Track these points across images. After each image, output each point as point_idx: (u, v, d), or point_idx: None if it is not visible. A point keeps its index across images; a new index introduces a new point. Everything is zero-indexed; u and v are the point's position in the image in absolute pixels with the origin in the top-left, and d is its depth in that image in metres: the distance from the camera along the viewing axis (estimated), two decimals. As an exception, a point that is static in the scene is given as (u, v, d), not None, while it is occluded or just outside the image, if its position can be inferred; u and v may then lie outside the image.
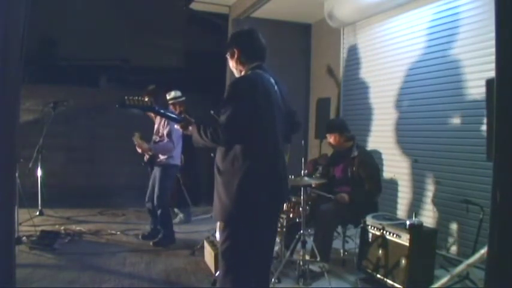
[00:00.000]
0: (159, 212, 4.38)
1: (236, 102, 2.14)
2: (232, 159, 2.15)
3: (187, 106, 5.10)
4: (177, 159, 4.60)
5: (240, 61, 2.34)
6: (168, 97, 5.06)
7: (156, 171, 4.45)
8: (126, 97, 2.37)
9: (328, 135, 3.95)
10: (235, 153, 2.15)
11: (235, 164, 2.14)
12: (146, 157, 4.50)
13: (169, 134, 4.34)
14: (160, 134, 4.44)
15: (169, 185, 4.54)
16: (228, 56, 2.41)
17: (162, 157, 4.41)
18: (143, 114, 4.56)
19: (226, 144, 2.17)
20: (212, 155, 2.40)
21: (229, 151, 2.17)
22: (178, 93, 5.13)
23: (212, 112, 2.28)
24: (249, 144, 2.15)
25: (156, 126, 4.54)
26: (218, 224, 4.01)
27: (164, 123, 4.40)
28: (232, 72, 2.43)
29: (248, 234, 2.19)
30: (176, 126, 2.50)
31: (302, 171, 3.50)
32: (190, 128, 2.33)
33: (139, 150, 4.44)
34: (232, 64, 2.40)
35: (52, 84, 6.59)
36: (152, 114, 4.54)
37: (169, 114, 2.53)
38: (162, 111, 2.53)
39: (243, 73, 2.35)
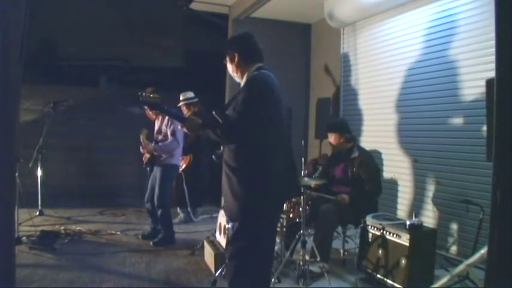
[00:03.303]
0: (159, 212, 4.38)
1: (253, 104, 2.14)
2: (246, 158, 2.15)
3: (201, 106, 5.12)
4: (178, 159, 4.60)
5: (240, 65, 2.36)
6: (181, 98, 5.09)
7: (157, 171, 4.44)
8: (139, 93, 2.38)
9: (328, 135, 3.96)
10: (249, 151, 2.15)
11: (250, 162, 2.14)
12: (145, 157, 4.50)
13: (173, 133, 4.34)
14: (163, 133, 4.44)
15: (169, 185, 4.54)
16: (227, 62, 2.43)
17: (163, 157, 4.41)
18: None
19: (240, 144, 2.17)
20: (217, 154, 2.38)
21: (241, 149, 2.17)
22: (192, 94, 5.14)
23: (214, 113, 2.27)
24: (263, 143, 2.15)
25: (157, 125, 4.54)
26: (219, 224, 4.02)
27: (168, 122, 4.40)
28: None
29: (265, 232, 2.20)
30: (179, 127, 2.48)
31: (302, 171, 3.50)
32: (196, 128, 2.30)
33: (143, 151, 4.44)
34: (232, 69, 2.41)
35: (52, 84, 6.58)
36: (151, 114, 4.54)
37: (176, 114, 2.47)
38: (168, 110, 2.45)
39: (244, 76, 2.35)
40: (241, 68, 2.36)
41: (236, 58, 2.36)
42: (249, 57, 2.35)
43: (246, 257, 2.19)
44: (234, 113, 2.17)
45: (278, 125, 2.23)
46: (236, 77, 2.43)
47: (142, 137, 4.42)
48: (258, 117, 2.13)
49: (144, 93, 2.39)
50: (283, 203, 2.29)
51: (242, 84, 2.35)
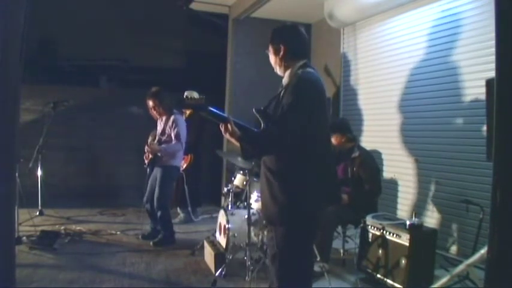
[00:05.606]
0: (159, 214, 4.36)
1: (300, 110, 2.04)
2: (288, 162, 2.08)
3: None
4: (180, 160, 4.57)
5: (285, 59, 2.21)
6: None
7: (157, 172, 4.41)
8: (184, 96, 2.20)
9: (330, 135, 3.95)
10: (291, 156, 2.08)
11: (293, 166, 2.07)
12: (147, 156, 4.48)
13: (177, 136, 4.31)
14: (167, 134, 4.40)
15: (170, 187, 4.52)
16: (269, 53, 2.28)
17: (165, 158, 4.39)
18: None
19: (284, 152, 2.09)
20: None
21: (283, 153, 2.10)
22: (195, 94, 5.08)
23: (254, 110, 2.15)
24: (307, 147, 2.08)
25: (160, 125, 4.51)
26: (218, 224, 4.02)
27: (172, 124, 4.35)
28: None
29: (304, 236, 2.17)
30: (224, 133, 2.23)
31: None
32: (232, 136, 2.10)
33: (147, 151, 4.41)
34: (274, 61, 2.26)
35: (52, 84, 6.58)
36: (155, 113, 4.49)
37: (218, 115, 2.18)
38: (211, 110, 2.16)
39: (287, 73, 2.22)
40: (285, 62, 2.21)
41: (282, 52, 2.20)
42: (295, 52, 2.20)
43: (285, 260, 2.14)
44: (277, 121, 2.06)
45: (322, 129, 2.17)
46: (277, 69, 2.29)
47: (150, 140, 4.40)
48: (304, 123, 2.03)
49: (188, 96, 2.18)
50: (323, 209, 2.24)
51: (285, 82, 2.22)
